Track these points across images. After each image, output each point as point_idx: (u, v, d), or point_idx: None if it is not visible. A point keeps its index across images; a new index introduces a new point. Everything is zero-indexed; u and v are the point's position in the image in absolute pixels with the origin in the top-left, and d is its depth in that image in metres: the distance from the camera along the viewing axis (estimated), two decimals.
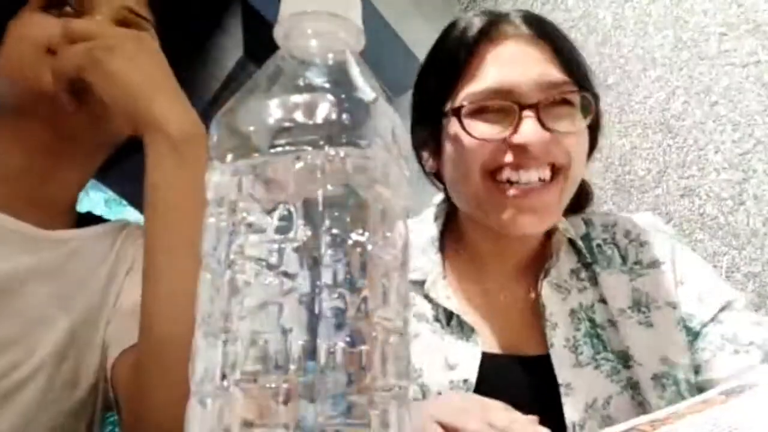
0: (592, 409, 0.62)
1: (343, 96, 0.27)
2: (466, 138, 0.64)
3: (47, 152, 0.63)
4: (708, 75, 1.39)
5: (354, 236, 0.25)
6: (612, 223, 0.75)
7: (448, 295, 0.70)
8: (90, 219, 0.71)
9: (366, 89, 0.28)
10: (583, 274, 0.71)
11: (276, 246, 0.25)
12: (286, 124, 0.26)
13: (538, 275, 0.71)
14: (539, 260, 0.72)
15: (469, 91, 0.64)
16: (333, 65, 0.29)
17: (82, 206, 0.73)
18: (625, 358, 0.66)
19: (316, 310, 0.23)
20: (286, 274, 0.24)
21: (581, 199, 0.77)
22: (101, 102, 0.54)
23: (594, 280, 0.71)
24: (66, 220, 0.67)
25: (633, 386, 0.64)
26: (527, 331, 0.69)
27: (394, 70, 0.93)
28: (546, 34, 0.67)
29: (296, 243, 0.24)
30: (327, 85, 0.28)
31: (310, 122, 0.26)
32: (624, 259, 0.71)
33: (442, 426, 0.50)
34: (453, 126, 0.65)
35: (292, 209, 0.25)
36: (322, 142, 0.25)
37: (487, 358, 0.65)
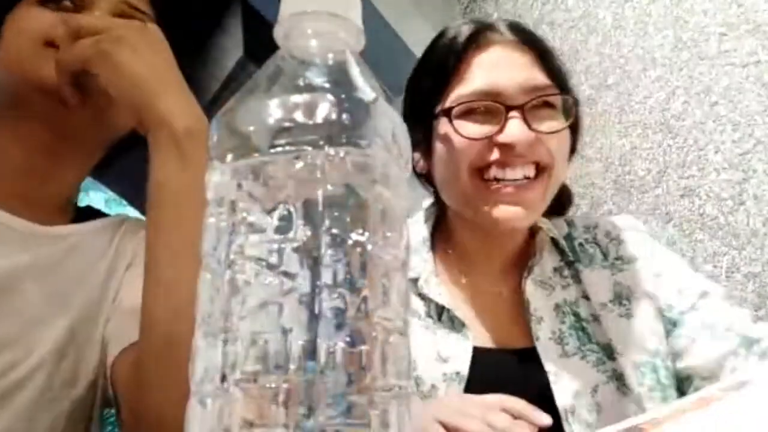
0: (581, 396, 0.65)
1: (343, 96, 0.27)
2: (456, 137, 0.67)
3: (45, 150, 0.62)
4: (708, 75, 1.39)
5: (354, 236, 0.25)
6: (593, 225, 0.79)
7: (440, 291, 0.73)
8: (89, 213, 0.70)
9: (366, 89, 0.28)
10: (566, 272, 0.75)
11: (276, 246, 0.25)
12: (286, 124, 0.26)
13: (524, 273, 0.74)
14: (524, 258, 0.76)
15: (458, 93, 0.68)
16: (333, 65, 0.29)
17: (91, 205, 0.73)
18: (609, 350, 0.69)
19: (316, 310, 0.23)
20: (286, 274, 0.24)
21: (562, 201, 0.81)
22: (103, 97, 0.54)
23: (577, 278, 0.74)
24: (64, 215, 0.67)
25: (618, 377, 0.67)
26: (515, 325, 0.72)
27: (394, 70, 0.93)
28: (530, 41, 0.71)
29: (296, 243, 0.24)
30: (327, 85, 0.28)
31: (310, 122, 0.26)
32: (605, 255, 0.75)
33: (444, 426, 0.51)
34: (443, 126, 0.69)
35: (292, 209, 0.25)
36: (322, 142, 0.25)
37: (477, 353, 0.68)
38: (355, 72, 0.29)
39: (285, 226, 0.25)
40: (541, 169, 0.67)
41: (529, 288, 0.73)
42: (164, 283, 0.48)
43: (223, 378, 0.24)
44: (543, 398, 0.63)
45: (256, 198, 0.26)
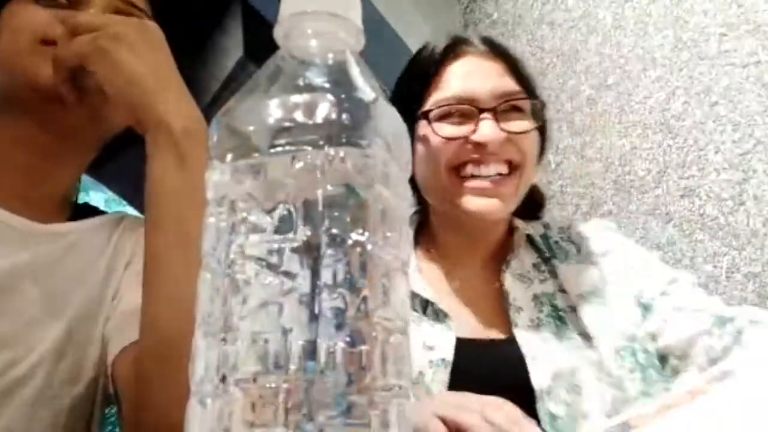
0: (558, 377, 0.68)
1: (343, 96, 0.27)
2: (434, 137, 0.74)
3: (42, 148, 0.62)
4: (708, 75, 1.39)
5: (354, 236, 0.25)
6: (567, 226, 0.86)
7: (424, 286, 0.77)
8: (87, 210, 0.70)
9: (366, 89, 0.28)
10: (544, 267, 0.80)
11: (276, 246, 0.25)
12: (286, 124, 0.26)
13: (502, 270, 0.79)
14: (503, 254, 0.82)
15: (436, 98, 0.75)
16: (333, 65, 0.29)
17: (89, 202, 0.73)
18: (586, 338, 0.72)
19: (316, 310, 0.23)
20: (286, 274, 0.24)
21: (536, 203, 0.89)
22: (99, 96, 0.53)
23: (554, 273, 0.80)
24: (62, 213, 0.66)
25: (596, 363, 0.70)
26: (495, 317, 0.77)
27: (394, 70, 0.94)
28: (500, 52, 0.79)
29: (296, 243, 0.24)
30: (327, 85, 0.28)
31: (310, 122, 0.26)
32: (578, 251, 0.81)
33: (443, 421, 0.52)
34: (423, 128, 0.75)
35: (292, 209, 0.25)
36: (321, 142, 0.25)
37: (461, 342, 0.71)
38: (355, 72, 0.29)
39: (285, 226, 0.25)
40: (513, 167, 0.74)
41: (508, 280, 0.78)
42: (163, 282, 0.48)
43: (223, 378, 0.24)
44: (521, 381, 0.68)
45: (256, 198, 0.26)
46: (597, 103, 1.58)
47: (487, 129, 0.72)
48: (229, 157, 0.27)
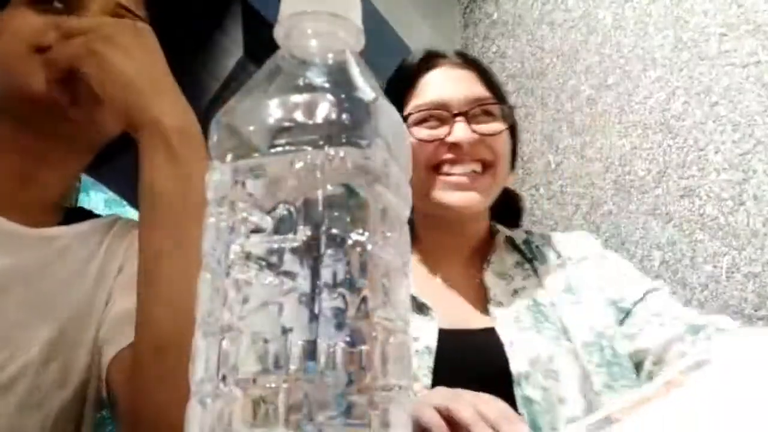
0: (537, 363, 0.72)
1: (343, 96, 0.27)
2: (412, 140, 0.79)
3: (33, 153, 0.61)
4: (708, 75, 1.39)
5: (354, 236, 0.25)
6: (548, 236, 0.93)
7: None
8: (80, 214, 0.70)
9: (366, 89, 0.28)
10: (526, 266, 0.87)
11: (276, 246, 0.25)
12: (286, 124, 0.26)
13: (483, 267, 0.85)
14: (484, 254, 0.88)
15: (414, 104, 0.83)
16: (333, 65, 0.29)
17: (83, 206, 0.72)
18: (564, 331, 0.77)
19: (316, 310, 0.23)
20: (286, 274, 0.24)
21: (514, 207, 0.98)
22: (92, 100, 0.53)
23: (535, 272, 0.86)
24: (54, 217, 0.66)
25: (573, 353, 0.74)
26: (476, 310, 0.82)
27: (393, 71, 0.95)
28: (471, 62, 0.88)
29: (296, 243, 0.24)
30: (327, 85, 0.28)
31: (310, 122, 0.26)
32: (558, 255, 0.87)
33: (438, 412, 0.54)
34: None
35: (292, 209, 0.25)
36: (321, 142, 0.25)
37: (443, 333, 0.75)
38: (355, 72, 0.29)
39: (285, 226, 0.25)
40: (486, 166, 0.81)
41: (489, 277, 0.84)
42: (158, 282, 0.47)
43: (223, 378, 0.24)
44: (500, 367, 0.72)
45: (256, 198, 0.26)
46: (597, 103, 1.58)
47: (460, 131, 0.79)
48: (229, 157, 0.27)
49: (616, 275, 0.83)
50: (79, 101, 0.57)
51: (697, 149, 1.38)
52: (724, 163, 1.33)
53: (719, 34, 1.38)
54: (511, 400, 0.68)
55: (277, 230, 0.25)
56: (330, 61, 0.29)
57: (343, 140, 0.25)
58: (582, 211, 1.55)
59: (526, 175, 1.68)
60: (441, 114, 0.81)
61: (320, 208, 0.25)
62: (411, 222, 0.88)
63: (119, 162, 0.75)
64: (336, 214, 0.25)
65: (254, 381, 0.24)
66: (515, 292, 0.82)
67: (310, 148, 0.25)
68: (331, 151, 0.25)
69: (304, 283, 0.24)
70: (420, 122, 0.81)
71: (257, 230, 0.25)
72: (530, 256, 0.87)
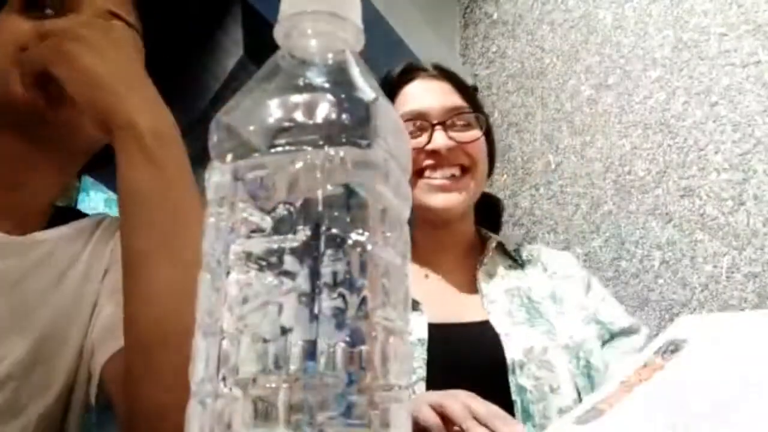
0: (530, 353, 0.76)
1: (343, 96, 0.27)
2: None
3: (18, 159, 0.60)
4: (708, 75, 1.39)
5: (354, 236, 0.25)
6: (536, 248, 0.99)
7: None
8: (68, 215, 0.68)
9: (366, 89, 0.28)
10: (518, 270, 0.93)
11: (276, 246, 0.25)
12: (286, 124, 0.26)
13: (476, 267, 0.90)
14: (474, 256, 0.93)
15: None
16: (333, 65, 0.29)
17: (83, 206, 0.71)
18: (554, 329, 0.82)
19: (316, 310, 0.23)
20: (286, 274, 0.24)
21: (495, 210, 1.05)
22: (70, 101, 0.51)
23: (526, 276, 0.91)
24: (39, 223, 0.64)
25: (565, 347, 0.79)
26: (467, 305, 0.85)
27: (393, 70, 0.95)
28: (447, 74, 0.94)
29: (296, 243, 0.24)
30: (327, 85, 0.28)
31: (310, 122, 0.26)
32: (545, 268, 0.94)
33: (432, 408, 0.56)
34: None
35: (292, 209, 0.25)
36: (321, 142, 0.25)
37: (434, 327, 0.79)
38: (355, 72, 0.29)
39: (285, 226, 0.25)
40: (464, 170, 0.88)
41: (482, 277, 0.89)
42: (141, 285, 0.46)
43: (223, 378, 0.24)
44: (496, 356, 0.76)
45: (256, 198, 0.26)
46: (597, 103, 1.58)
47: (439, 139, 0.86)
48: (229, 157, 0.27)
49: (602, 299, 0.90)
50: (55, 104, 0.55)
51: (697, 149, 1.38)
52: (724, 163, 1.33)
53: (719, 34, 1.38)
54: (505, 389, 0.73)
55: (277, 230, 0.25)
56: (330, 61, 0.29)
57: (343, 140, 0.25)
58: (582, 211, 1.55)
59: (526, 175, 1.69)
60: (421, 123, 0.87)
61: (320, 208, 0.25)
62: (410, 222, 0.91)
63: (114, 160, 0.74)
64: (336, 214, 0.25)
65: (254, 381, 0.24)
66: (508, 291, 0.87)
67: (310, 148, 0.25)
68: (331, 151, 0.25)
69: (304, 283, 0.24)
70: None
71: (257, 230, 0.25)
72: (521, 261, 0.94)
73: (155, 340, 0.44)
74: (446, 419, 0.55)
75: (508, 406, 0.71)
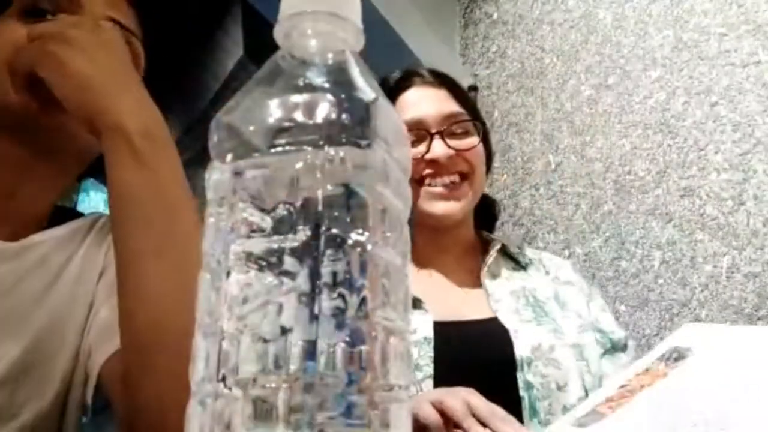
0: (538, 351, 0.77)
1: (343, 96, 0.27)
2: None
3: (16, 165, 0.60)
4: (708, 75, 1.39)
5: (354, 236, 0.25)
6: (538, 253, 1.01)
7: None
8: (67, 215, 0.68)
9: (366, 89, 0.28)
10: (521, 272, 0.94)
11: (276, 246, 0.25)
12: (286, 124, 0.26)
13: (477, 267, 0.92)
14: (475, 257, 0.94)
15: None
16: (333, 65, 0.29)
17: (83, 207, 0.71)
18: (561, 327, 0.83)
19: (316, 310, 0.23)
20: (286, 274, 0.24)
21: (491, 212, 1.06)
22: (61, 104, 0.50)
23: (530, 277, 0.93)
24: (35, 228, 0.64)
25: (572, 346, 0.80)
26: (471, 303, 0.86)
27: (393, 71, 0.95)
28: (444, 80, 0.94)
29: (296, 243, 0.24)
30: (327, 85, 0.28)
31: (310, 122, 0.26)
32: (547, 272, 0.95)
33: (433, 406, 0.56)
34: None
35: (292, 209, 0.25)
36: (321, 142, 0.25)
37: (440, 325, 0.79)
38: (355, 72, 0.29)
39: (285, 226, 0.25)
40: (463, 177, 0.89)
41: (486, 278, 0.90)
42: (134, 285, 0.46)
43: (223, 378, 0.24)
44: (505, 352, 0.76)
45: (256, 198, 0.26)
46: (597, 103, 1.58)
47: (438, 148, 0.86)
48: (229, 157, 0.27)
49: (602, 309, 0.92)
50: (48, 107, 0.54)
51: (697, 149, 1.38)
52: (724, 163, 1.33)
53: (719, 34, 1.38)
54: (513, 386, 0.74)
55: (277, 230, 0.25)
56: (330, 61, 0.29)
57: (343, 140, 0.25)
58: (582, 211, 1.55)
59: (526, 175, 1.69)
60: (419, 132, 0.87)
61: (320, 208, 0.25)
62: (410, 222, 0.92)
63: None
64: (336, 214, 0.25)
65: (254, 381, 0.24)
66: (513, 292, 0.88)
67: (310, 148, 0.25)
68: (331, 151, 0.25)
69: (304, 283, 0.24)
70: None
71: (257, 230, 0.25)
72: (524, 263, 0.95)
73: (151, 340, 0.44)
74: (447, 417, 0.55)
75: (515, 403, 0.72)
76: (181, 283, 0.41)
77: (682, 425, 0.35)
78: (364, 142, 0.26)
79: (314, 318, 0.23)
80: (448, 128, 0.88)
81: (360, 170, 0.26)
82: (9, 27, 0.58)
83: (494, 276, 0.91)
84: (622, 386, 0.41)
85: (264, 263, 0.25)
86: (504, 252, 0.97)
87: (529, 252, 1.00)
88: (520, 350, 0.76)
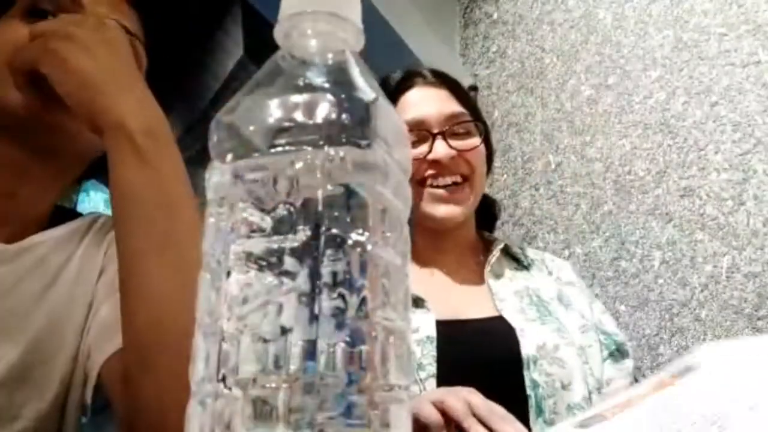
0: (543, 349, 0.77)
1: (343, 96, 0.27)
2: None
3: (16, 167, 0.60)
4: (708, 75, 1.39)
5: (354, 236, 0.25)
6: (539, 253, 1.01)
7: None
8: (67, 215, 0.68)
9: (366, 89, 0.28)
10: (524, 272, 0.94)
11: (276, 246, 0.25)
12: (286, 124, 0.26)
13: (481, 268, 0.92)
14: (476, 256, 0.95)
15: None
16: (333, 65, 0.29)
17: (83, 207, 0.71)
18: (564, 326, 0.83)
19: (316, 310, 0.23)
20: (286, 274, 0.24)
21: (492, 212, 1.06)
22: (64, 102, 0.50)
23: (533, 277, 0.93)
24: (35, 229, 0.63)
25: (576, 345, 0.81)
26: (474, 302, 0.86)
27: (393, 71, 0.95)
28: (445, 80, 0.94)
29: (296, 243, 0.24)
30: (327, 85, 0.28)
31: (310, 122, 0.26)
32: (550, 272, 0.96)
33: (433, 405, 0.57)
34: None
35: (292, 209, 0.25)
36: (321, 142, 0.25)
37: (442, 324, 0.79)
38: (355, 72, 0.29)
39: (285, 226, 0.25)
40: (464, 178, 0.89)
41: (490, 277, 0.90)
42: (136, 284, 0.46)
43: (223, 378, 0.24)
44: (511, 351, 0.76)
45: (256, 198, 0.26)
46: (597, 103, 1.58)
47: (439, 149, 0.86)
48: (229, 157, 0.27)
49: (603, 311, 0.93)
50: (51, 104, 0.54)
51: (697, 149, 1.38)
52: (724, 163, 1.33)
53: (719, 34, 1.38)
54: (518, 384, 0.74)
55: (277, 230, 0.25)
56: (330, 61, 0.29)
57: (343, 140, 0.25)
58: (582, 211, 1.55)
59: (526, 175, 1.69)
60: (421, 133, 0.87)
61: (320, 208, 0.25)
62: (410, 222, 0.93)
63: None
64: (336, 214, 0.25)
65: (254, 381, 0.24)
66: (517, 293, 0.88)
67: (310, 148, 0.25)
68: (331, 151, 0.25)
69: (304, 283, 0.24)
70: None
71: (257, 230, 0.25)
72: (526, 263, 0.96)
73: (152, 339, 0.44)
74: (447, 416, 0.55)
75: (521, 402, 0.73)
76: (182, 283, 0.41)
77: (681, 424, 0.35)
78: (364, 142, 0.26)
79: (314, 318, 0.23)
80: (449, 128, 0.88)
81: (360, 170, 0.26)
82: (10, 26, 0.58)
83: (497, 276, 0.91)
84: (630, 397, 0.41)
85: (264, 263, 0.25)
86: (506, 252, 0.97)
87: (531, 252, 1.00)
88: (527, 349, 0.77)
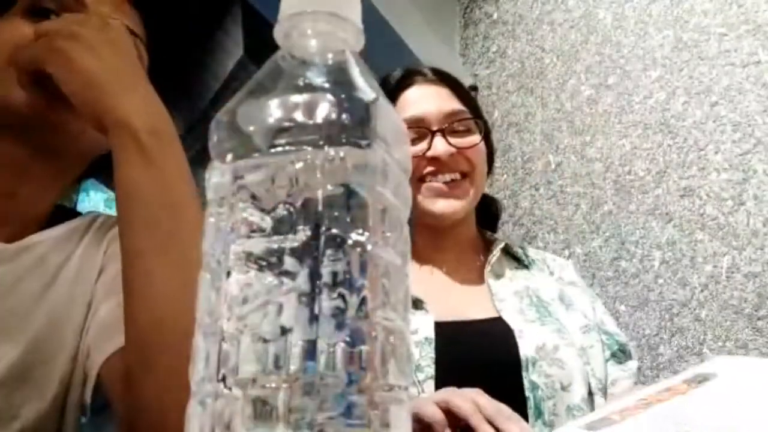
0: (542, 351, 0.77)
1: (343, 96, 0.27)
2: None
3: (17, 166, 0.60)
4: (708, 75, 1.39)
5: (354, 236, 0.25)
6: (540, 253, 1.01)
7: None
8: (67, 215, 0.68)
9: (366, 89, 0.28)
10: (525, 271, 0.94)
11: (276, 246, 0.25)
12: (286, 124, 0.26)
13: (482, 267, 0.91)
14: (476, 255, 0.94)
15: None
16: (333, 65, 0.29)
17: (83, 206, 0.71)
18: (564, 327, 0.83)
19: (316, 310, 0.23)
20: (286, 274, 0.24)
21: (492, 212, 1.06)
22: (69, 101, 0.50)
23: (533, 277, 0.92)
24: (35, 229, 0.63)
25: (576, 347, 0.80)
26: (473, 303, 0.86)
27: (393, 71, 0.95)
28: (446, 78, 0.94)
29: (296, 243, 0.24)
30: (327, 85, 0.28)
31: (310, 122, 0.26)
32: (551, 272, 0.96)
33: (438, 406, 0.56)
34: None
35: (292, 209, 0.25)
36: (321, 142, 0.25)
37: (441, 325, 0.79)
38: (355, 72, 0.29)
39: (285, 226, 0.25)
40: (464, 175, 0.88)
41: (490, 277, 0.89)
42: (139, 284, 0.46)
43: (223, 378, 0.24)
44: (509, 353, 0.76)
45: (256, 198, 0.26)
46: (597, 103, 1.58)
47: (439, 146, 0.86)
48: (229, 157, 0.27)
49: (604, 312, 0.93)
50: (56, 103, 0.54)
51: (697, 149, 1.38)
52: (724, 163, 1.33)
53: (719, 34, 1.38)
54: (517, 386, 0.74)
55: (277, 230, 0.25)
56: (330, 61, 0.29)
57: (343, 140, 0.25)
58: (582, 211, 1.55)
59: (526, 175, 1.69)
60: (421, 130, 0.86)
61: (320, 208, 0.25)
62: (410, 222, 0.92)
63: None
64: (336, 214, 0.25)
65: (254, 381, 0.24)
66: (517, 293, 0.87)
67: (310, 148, 0.25)
68: (331, 151, 0.25)
69: (304, 283, 0.24)
70: None
71: (257, 230, 0.25)
72: (527, 263, 0.95)
73: (154, 339, 0.44)
74: (451, 417, 0.55)
75: (519, 403, 0.72)
76: (184, 283, 0.41)
77: (691, 429, 0.34)
78: (364, 142, 0.26)
79: (314, 318, 0.23)
80: (449, 126, 0.87)
81: (360, 170, 0.26)
82: (12, 25, 0.58)
83: (498, 276, 0.91)
84: (641, 399, 0.41)
85: (264, 263, 0.25)
86: (507, 251, 0.96)
87: (532, 252, 0.99)
88: (525, 350, 0.76)
